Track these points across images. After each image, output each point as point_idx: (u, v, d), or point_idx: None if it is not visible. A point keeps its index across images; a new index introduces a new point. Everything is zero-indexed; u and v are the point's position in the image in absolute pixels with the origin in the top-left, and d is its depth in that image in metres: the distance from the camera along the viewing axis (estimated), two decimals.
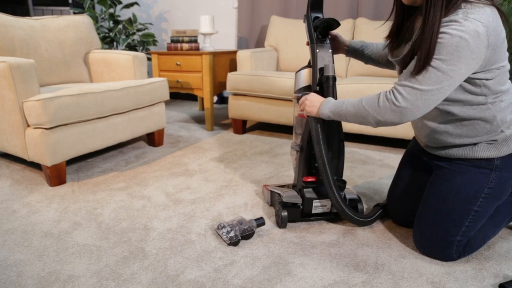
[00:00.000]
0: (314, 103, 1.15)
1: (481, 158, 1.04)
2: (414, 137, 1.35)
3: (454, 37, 0.86)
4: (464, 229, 1.06)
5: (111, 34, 3.39)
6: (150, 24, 3.57)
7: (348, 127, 2.22)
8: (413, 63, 0.95)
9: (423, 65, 0.91)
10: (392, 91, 0.98)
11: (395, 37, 1.11)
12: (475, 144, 1.05)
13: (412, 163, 1.29)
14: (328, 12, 2.96)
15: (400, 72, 1.07)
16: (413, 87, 0.94)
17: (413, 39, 1.02)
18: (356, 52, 1.34)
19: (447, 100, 1.01)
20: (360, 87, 2.10)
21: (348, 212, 1.18)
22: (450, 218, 1.07)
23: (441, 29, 0.89)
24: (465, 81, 0.97)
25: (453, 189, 1.07)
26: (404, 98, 0.95)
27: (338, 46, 1.35)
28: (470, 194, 1.05)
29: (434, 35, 0.89)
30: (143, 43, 3.44)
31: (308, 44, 1.27)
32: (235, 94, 2.53)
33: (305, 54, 2.79)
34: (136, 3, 3.39)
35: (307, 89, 1.28)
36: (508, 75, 1.00)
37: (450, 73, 0.90)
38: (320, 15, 1.26)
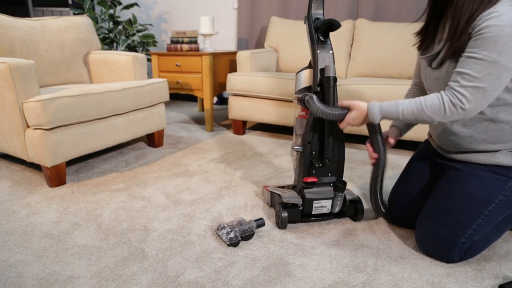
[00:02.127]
0: (358, 116, 1.10)
1: (502, 165, 1.05)
2: (426, 140, 1.35)
3: (504, 27, 0.86)
4: (470, 231, 1.06)
5: (111, 35, 3.39)
6: (150, 25, 3.57)
7: (348, 128, 2.22)
8: (461, 62, 0.95)
9: (469, 56, 0.92)
10: (456, 96, 0.96)
11: (430, 36, 1.11)
12: (496, 151, 1.06)
13: (422, 163, 1.30)
14: (328, 13, 2.96)
15: (421, 67, 1.08)
16: (476, 86, 0.93)
17: (449, 36, 1.00)
18: (409, 127, 1.32)
19: None
20: (360, 88, 2.10)
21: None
22: (459, 218, 1.06)
23: (486, 23, 0.88)
24: None
25: (467, 191, 1.07)
26: (469, 100, 0.94)
27: (394, 137, 1.29)
28: (484, 198, 1.05)
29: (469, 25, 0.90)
30: (143, 44, 3.44)
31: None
32: (235, 95, 2.53)
33: (305, 55, 2.79)
34: (136, 4, 3.39)
35: (308, 89, 1.28)
36: None
37: (509, 64, 0.89)
38: (321, 16, 1.26)
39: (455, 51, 0.98)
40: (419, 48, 1.16)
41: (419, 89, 1.32)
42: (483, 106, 0.96)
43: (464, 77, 0.94)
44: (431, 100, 0.99)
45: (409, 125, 1.32)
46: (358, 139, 2.53)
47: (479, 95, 0.93)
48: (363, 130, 2.19)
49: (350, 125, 1.13)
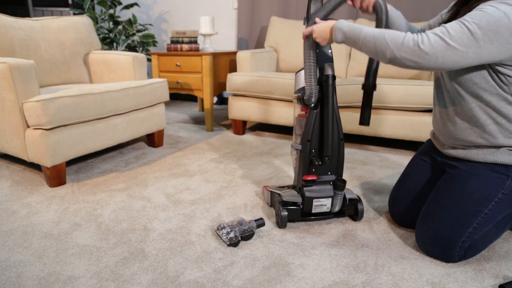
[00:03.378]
0: (324, 27, 1.12)
1: (500, 163, 1.05)
2: (428, 139, 1.36)
3: (499, 11, 0.87)
4: (470, 230, 1.06)
5: (111, 35, 3.39)
6: (150, 25, 3.57)
7: (348, 128, 2.22)
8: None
9: (460, 21, 0.92)
10: (421, 35, 0.96)
11: (460, 9, 1.10)
12: (496, 148, 1.06)
13: (423, 163, 1.30)
14: None
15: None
16: (443, 38, 0.93)
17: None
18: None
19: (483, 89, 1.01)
20: (360, 88, 2.10)
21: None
22: (459, 217, 1.07)
23: (490, 2, 0.90)
24: (495, 71, 0.97)
25: (467, 189, 1.08)
26: (430, 44, 0.94)
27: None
28: (484, 196, 1.05)
29: None
30: (143, 44, 3.44)
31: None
32: (235, 95, 2.53)
33: None
34: (136, 4, 3.39)
35: None
36: None
37: (481, 43, 0.90)
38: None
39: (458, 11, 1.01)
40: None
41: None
42: (437, 63, 0.95)
43: (441, 29, 0.94)
44: (394, 31, 1.00)
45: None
46: (358, 139, 2.53)
47: (440, 48, 0.93)
48: (363, 129, 2.19)
49: (316, 33, 1.14)
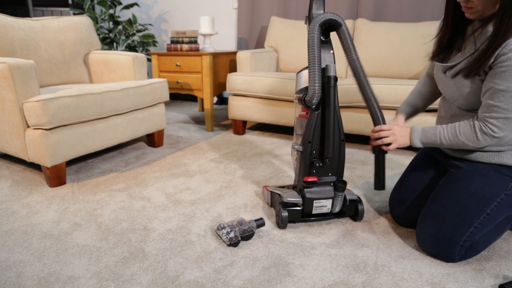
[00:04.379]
0: (403, 133, 1.16)
1: (505, 164, 1.06)
2: None
3: None
4: (472, 229, 1.06)
5: (111, 35, 3.39)
6: (150, 25, 3.57)
7: (348, 128, 2.22)
8: (490, 93, 0.98)
9: (499, 90, 0.95)
10: (486, 125, 1.01)
11: (446, 49, 1.12)
12: (501, 151, 1.07)
13: (424, 163, 1.31)
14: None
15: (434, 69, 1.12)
16: (507, 117, 0.97)
17: (477, 56, 1.00)
18: (414, 113, 1.36)
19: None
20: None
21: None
22: (461, 216, 1.07)
23: (510, 54, 0.91)
24: None
25: (470, 188, 1.08)
26: (501, 129, 0.99)
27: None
28: (487, 196, 1.06)
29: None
30: (143, 44, 3.44)
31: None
32: (235, 95, 2.53)
33: (305, 55, 2.79)
34: (136, 4, 3.39)
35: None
36: None
37: None
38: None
39: (472, 72, 1.00)
40: (434, 57, 1.16)
41: (432, 79, 1.33)
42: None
43: (495, 109, 0.98)
44: (464, 126, 1.05)
45: (415, 111, 1.35)
46: (358, 139, 2.53)
47: (508, 125, 0.99)
48: (364, 130, 2.19)
49: (398, 142, 1.17)
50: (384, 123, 1.20)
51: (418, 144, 1.14)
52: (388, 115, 2.10)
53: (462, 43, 1.09)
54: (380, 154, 1.21)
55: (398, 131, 1.16)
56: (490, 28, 0.97)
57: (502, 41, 0.92)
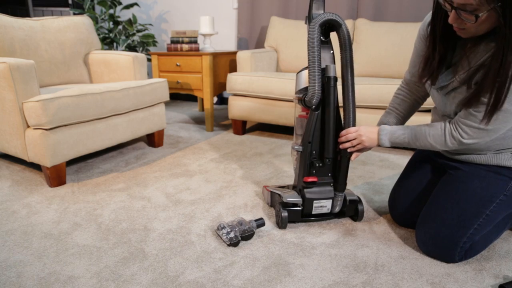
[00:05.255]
0: (371, 134, 1.16)
1: (504, 165, 1.06)
2: None
3: None
4: (471, 231, 1.06)
5: (111, 35, 3.39)
6: (150, 25, 3.57)
7: None
8: (472, 100, 0.95)
9: (491, 110, 0.92)
10: (457, 129, 1.01)
11: (437, 69, 1.05)
12: (499, 152, 1.07)
13: (422, 163, 1.30)
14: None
15: (430, 82, 1.08)
16: (479, 128, 0.97)
17: (470, 75, 0.96)
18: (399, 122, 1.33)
19: None
20: (360, 88, 2.11)
21: None
22: (461, 218, 1.07)
23: None
24: None
25: (468, 190, 1.08)
26: (470, 136, 0.99)
27: None
28: (486, 198, 1.06)
29: (509, 80, 0.86)
30: (143, 44, 3.44)
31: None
32: (235, 95, 2.53)
33: (305, 55, 2.79)
34: (136, 4, 3.39)
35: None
36: None
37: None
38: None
39: (468, 88, 0.97)
40: (421, 77, 1.10)
41: (409, 91, 1.29)
42: (486, 142, 1.01)
43: (471, 118, 0.97)
44: (433, 129, 1.06)
45: (400, 121, 1.31)
46: None
47: (482, 134, 0.98)
48: None
49: (365, 143, 1.17)
50: (354, 124, 1.20)
51: (386, 143, 1.14)
52: None
53: (451, 58, 1.04)
54: (343, 156, 1.22)
55: (365, 131, 1.16)
56: (483, 46, 0.94)
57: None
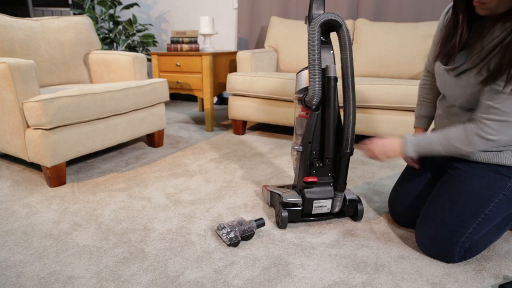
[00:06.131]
0: (393, 146, 1.14)
1: (503, 164, 1.05)
2: None
3: None
4: (471, 230, 1.06)
5: (111, 35, 3.39)
6: (150, 25, 3.57)
7: None
8: (491, 94, 0.94)
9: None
10: (481, 127, 0.98)
11: (454, 48, 1.04)
12: (500, 151, 1.06)
13: (422, 163, 1.30)
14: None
15: (435, 62, 1.08)
16: (502, 120, 0.94)
17: (487, 58, 0.96)
18: (431, 121, 1.34)
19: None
20: (360, 88, 2.11)
21: None
22: (459, 218, 1.06)
23: None
24: None
25: (467, 190, 1.08)
26: (497, 131, 0.96)
27: None
28: (485, 197, 1.05)
29: None
30: (143, 44, 3.44)
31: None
32: (235, 95, 2.53)
33: (305, 55, 2.79)
34: (136, 4, 3.39)
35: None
36: None
37: None
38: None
39: (487, 80, 0.96)
40: (438, 56, 1.11)
41: (433, 78, 1.31)
42: (508, 138, 0.98)
43: (493, 111, 0.95)
44: (455, 131, 1.03)
45: (431, 118, 1.33)
46: (358, 139, 2.53)
47: (505, 127, 0.95)
48: (363, 130, 2.19)
49: (386, 154, 1.15)
50: (354, 124, 1.19)
51: (413, 155, 1.11)
52: (388, 115, 2.10)
53: (467, 40, 1.04)
54: (343, 156, 1.22)
55: (387, 145, 1.15)
56: (498, 27, 0.94)
57: None
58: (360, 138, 2.55)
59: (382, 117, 2.11)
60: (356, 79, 2.23)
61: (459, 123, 1.11)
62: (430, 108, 1.32)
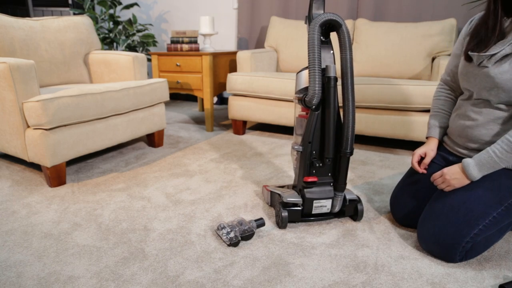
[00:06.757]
0: (457, 175, 1.11)
1: None
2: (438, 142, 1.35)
3: None
4: (476, 231, 1.05)
5: (111, 35, 3.39)
6: (150, 25, 3.57)
7: None
8: None
9: None
10: None
11: (489, 36, 1.04)
12: None
13: (431, 162, 1.29)
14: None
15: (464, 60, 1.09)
16: None
17: None
18: (445, 132, 1.34)
19: None
20: (360, 88, 2.10)
21: None
22: (466, 218, 1.05)
23: None
24: None
25: (478, 191, 1.07)
26: None
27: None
28: (495, 200, 1.04)
29: None
30: (143, 44, 3.44)
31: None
32: (235, 95, 2.53)
33: (305, 55, 2.79)
34: (136, 4, 3.39)
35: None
36: None
37: None
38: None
39: None
40: (468, 46, 1.09)
41: (449, 90, 1.32)
42: None
43: None
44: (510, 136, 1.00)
45: (446, 129, 1.32)
46: (359, 139, 2.53)
47: None
48: (363, 130, 2.18)
49: (455, 184, 1.12)
50: (353, 126, 1.18)
51: (479, 177, 1.08)
52: (388, 115, 2.10)
53: (502, 30, 1.03)
54: (343, 156, 1.22)
55: (450, 175, 1.12)
56: None
57: None
58: (360, 138, 2.55)
59: (382, 117, 2.11)
60: (356, 79, 2.23)
61: (483, 130, 1.10)
62: (445, 119, 1.31)
